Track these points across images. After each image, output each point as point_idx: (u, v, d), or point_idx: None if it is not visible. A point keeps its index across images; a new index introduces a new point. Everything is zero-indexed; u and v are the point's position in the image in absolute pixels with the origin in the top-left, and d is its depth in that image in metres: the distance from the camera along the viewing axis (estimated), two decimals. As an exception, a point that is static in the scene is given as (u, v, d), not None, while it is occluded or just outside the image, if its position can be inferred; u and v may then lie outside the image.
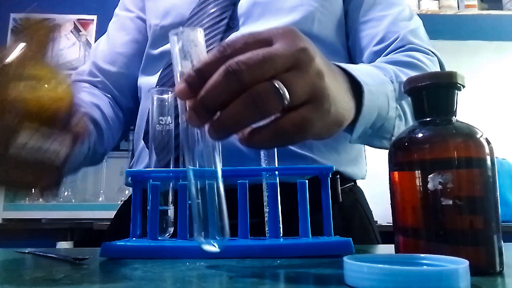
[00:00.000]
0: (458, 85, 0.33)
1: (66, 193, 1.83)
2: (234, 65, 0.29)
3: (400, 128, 0.52)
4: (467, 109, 1.20)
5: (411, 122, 0.54)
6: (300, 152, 0.61)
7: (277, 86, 0.29)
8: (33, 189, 0.39)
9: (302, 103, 0.31)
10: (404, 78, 0.53)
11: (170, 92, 0.50)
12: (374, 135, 0.50)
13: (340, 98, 0.36)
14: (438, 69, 0.63)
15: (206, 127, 0.32)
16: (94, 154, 0.64)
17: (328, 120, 0.34)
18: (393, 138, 0.51)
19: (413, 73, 0.56)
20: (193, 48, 0.33)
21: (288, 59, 0.30)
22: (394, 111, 0.50)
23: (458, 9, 2.05)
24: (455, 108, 0.34)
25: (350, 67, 0.42)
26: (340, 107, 0.35)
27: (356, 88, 0.42)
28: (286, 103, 0.30)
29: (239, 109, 0.29)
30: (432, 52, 0.63)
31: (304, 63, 0.31)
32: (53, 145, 0.36)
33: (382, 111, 0.48)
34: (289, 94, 0.30)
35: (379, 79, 0.49)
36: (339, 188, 0.63)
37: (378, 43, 0.64)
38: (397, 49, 0.62)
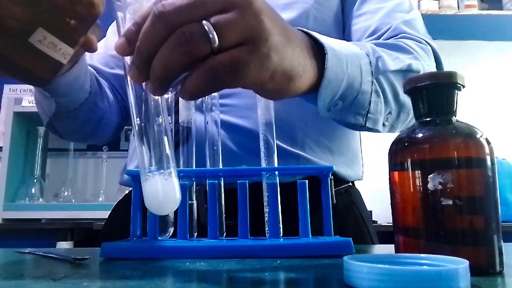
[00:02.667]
0: (458, 85, 0.33)
1: (66, 193, 1.83)
2: (160, 7, 0.29)
3: (378, 105, 0.49)
4: (467, 109, 1.21)
5: (392, 102, 0.52)
6: (291, 150, 0.60)
7: (205, 27, 0.28)
8: (33, 79, 0.41)
9: (236, 45, 0.30)
10: (383, 55, 0.50)
11: (170, 92, 0.50)
12: (347, 110, 0.47)
13: (289, 49, 0.34)
14: (431, 58, 0.60)
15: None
16: (93, 107, 0.64)
17: (270, 67, 0.32)
18: (370, 116, 0.49)
19: (395, 54, 0.53)
20: (132, 7, 0.33)
21: (220, 1, 0.29)
22: (369, 85, 0.47)
23: (458, 9, 2.05)
24: (455, 108, 0.34)
25: (314, 33, 0.41)
26: (287, 57, 0.33)
27: (321, 52, 0.40)
28: (216, 44, 0.29)
29: (167, 53, 0.29)
30: (427, 42, 0.61)
31: (239, 5, 0.30)
32: (65, 47, 0.39)
33: (354, 82, 0.45)
34: (219, 35, 0.29)
35: (351, 50, 0.46)
36: (333, 189, 0.61)
37: (370, 34, 0.62)
38: (389, 39, 0.60)
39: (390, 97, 0.51)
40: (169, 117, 0.49)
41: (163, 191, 0.31)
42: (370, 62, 0.48)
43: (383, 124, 0.52)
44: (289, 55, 0.34)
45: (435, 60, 0.61)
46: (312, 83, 0.39)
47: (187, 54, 0.29)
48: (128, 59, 0.33)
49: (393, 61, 0.52)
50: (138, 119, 0.33)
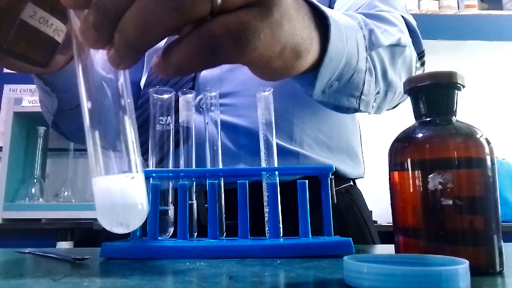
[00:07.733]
0: (458, 85, 0.33)
1: (66, 193, 1.83)
2: None
3: (370, 85, 0.45)
4: (467, 109, 1.21)
5: (380, 81, 0.48)
6: (289, 148, 0.60)
7: None
8: (32, 61, 0.40)
9: (242, 6, 0.23)
10: (374, 28, 0.47)
11: (170, 92, 0.50)
12: (341, 91, 0.42)
13: (300, 16, 0.28)
14: (405, 28, 0.56)
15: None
16: None
17: (281, 38, 0.26)
18: (363, 97, 0.45)
19: (383, 26, 0.50)
20: None
21: None
22: (364, 63, 0.43)
23: (458, 9, 2.05)
24: (455, 108, 0.34)
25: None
26: (298, 27, 0.28)
27: (321, 22, 0.35)
28: (219, 1, 0.22)
29: (148, 8, 0.21)
30: (402, 16, 0.57)
31: None
32: (57, 22, 0.38)
33: (351, 60, 0.40)
34: None
35: (347, 22, 0.41)
36: (334, 189, 0.60)
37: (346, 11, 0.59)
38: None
39: (380, 75, 0.48)
40: (169, 116, 0.49)
41: (122, 191, 0.24)
42: (364, 36, 0.44)
43: (372, 106, 0.49)
44: (300, 24, 0.28)
45: (410, 32, 0.57)
46: (314, 60, 0.34)
47: (178, 13, 0.21)
48: (76, 16, 0.25)
49: (384, 35, 0.48)
50: (88, 100, 0.25)
